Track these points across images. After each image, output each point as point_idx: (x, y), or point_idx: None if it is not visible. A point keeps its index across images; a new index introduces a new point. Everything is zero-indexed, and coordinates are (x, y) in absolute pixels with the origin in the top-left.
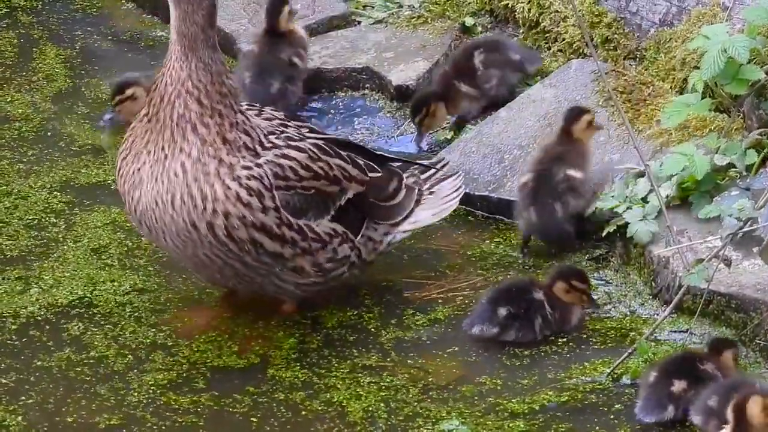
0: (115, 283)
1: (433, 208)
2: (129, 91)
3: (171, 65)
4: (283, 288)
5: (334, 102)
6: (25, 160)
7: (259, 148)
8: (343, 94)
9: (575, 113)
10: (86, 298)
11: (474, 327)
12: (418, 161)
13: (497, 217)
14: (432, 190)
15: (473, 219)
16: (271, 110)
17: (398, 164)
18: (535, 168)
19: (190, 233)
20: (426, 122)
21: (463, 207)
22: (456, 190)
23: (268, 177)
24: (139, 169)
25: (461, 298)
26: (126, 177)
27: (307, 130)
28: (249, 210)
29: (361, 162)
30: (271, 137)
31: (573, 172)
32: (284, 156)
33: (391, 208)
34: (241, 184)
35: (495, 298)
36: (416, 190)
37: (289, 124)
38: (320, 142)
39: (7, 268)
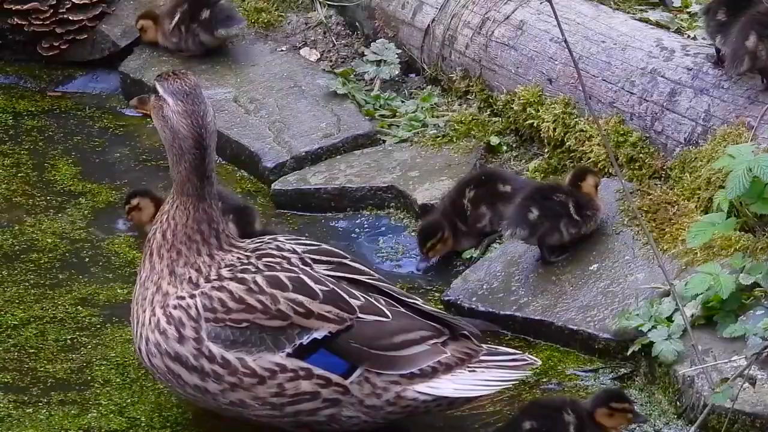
0: (181, 409)
1: (460, 384)
2: (134, 201)
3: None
4: (256, 420)
5: (359, 221)
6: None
7: (202, 281)
8: (368, 212)
9: None
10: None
11: None
12: (500, 349)
13: (522, 336)
14: (475, 369)
15: (500, 338)
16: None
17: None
18: None
19: (137, 356)
20: (437, 248)
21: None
22: (496, 382)
23: (196, 308)
24: None
25: (485, 416)
26: None
27: (326, 266)
28: (164, 338)
29: (355, 302)
30: (224, 270)
31: None
32: (219, 288)
33: (392, 357)
34: (165, 312)
35: (526, 409)
36: (446, 355)
37: (288, 258)
38: (282, 275)
39: (52, 392)
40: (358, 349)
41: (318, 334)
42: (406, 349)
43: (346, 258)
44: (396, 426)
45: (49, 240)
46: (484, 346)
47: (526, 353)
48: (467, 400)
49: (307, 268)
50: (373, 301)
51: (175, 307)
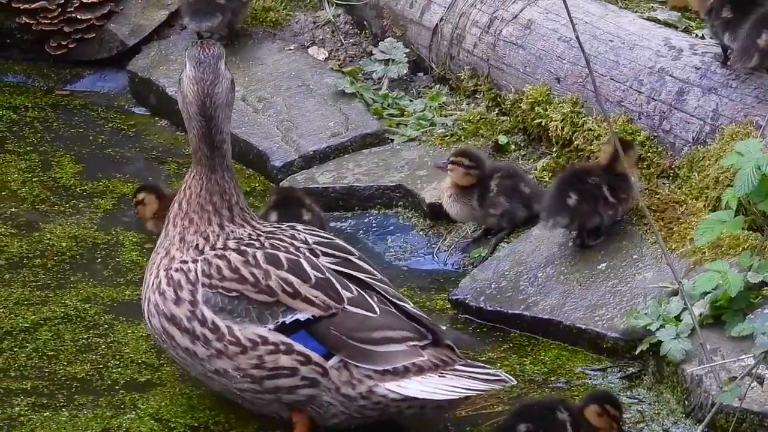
0: (213, 412)
1: (427, 386)
2: (140, 196)
3: None
4: (240, 395)
5: (366, 220)
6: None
7: (207, 249)
8: (376, 211)
9: None
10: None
11: None
12: (478, 365)
13: (530, 335)
14: (445, 375)
15: (507, 337)
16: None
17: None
18: None
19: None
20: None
21: (499, 324)
22: (461, 389)
23: (195, 272)
24: None
25: (492, 415)
26: None
27: (331, 258)
28: (162, 299)
29: (346, 293)
30: (231, 241)
31: None
32: (219, 256)
33: (368, 351)
34: (167, 275)
35: (519, 413)
36: (422, 358)
37: (297, 246)
38: (282, 255)
39: (76, 395)
40: (337, 337)
41: (301, 316)
42: (383, 346)
43: (353, 255)
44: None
45: (59, 240)
46: (465, 358)
47: (503, 371)
48: (437, 405)
49: (312, 257)
50: (365, 296)
51: (176, 270)
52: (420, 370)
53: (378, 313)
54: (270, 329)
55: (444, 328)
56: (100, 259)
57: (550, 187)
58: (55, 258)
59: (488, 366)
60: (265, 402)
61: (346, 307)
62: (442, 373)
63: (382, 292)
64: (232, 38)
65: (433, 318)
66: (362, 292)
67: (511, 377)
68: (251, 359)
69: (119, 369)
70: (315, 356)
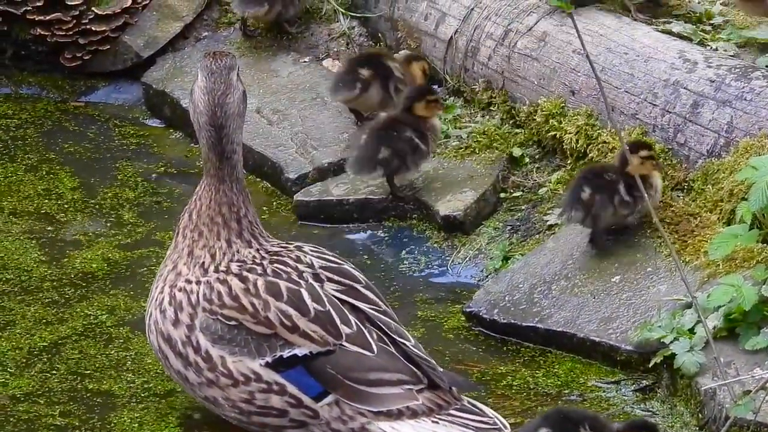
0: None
1: (419, 431)
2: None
3: None
4: (226, 418)
5: (381, 232)
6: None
7: (211, 269)
8: (390, 223)
9: None
10: None
11: None
12: (477, 406)
13: (543, 347)
14: (438, 421)
15: (521, 349)
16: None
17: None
18: None
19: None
20: None
21: (513, 337)
22: None
23: (197, 294)
24: None
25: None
26: None
27: (336, 285)
28: (162, 317)
29: (345, 329)
30: (234, 264)
31: None
32: (221, 281)
33: (364, 392)
34: (171, 292)
35: (546, 416)
36: (416, 402)
37: (301, 271)
38: (283, 285)
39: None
40: (333, 376)
41: (299, 351)
42: (379, 388)
43: (359, 283)
44: None
45: (75, 254)
46: (462, 401)
47: (499, 415)
48: None
49: (315, 284)
50: (365, 332)
51: (180, 290)
52: (414, 414)
53: (375, 352)
54: (267, 363)
55: (441, 370)
56: (117, 272)
57: (568, 185)
58: (73, 274)
59: (487, 411)
60: (252, 430)
61: (344, 344)
62: (435, 419)
63: (384, 326)
64: (280, 31)
65: (445, 332)
66: (362, 327)
67: (506, 424)
68: (242, 393)
69: (147, 383)
70: (306, 400)
